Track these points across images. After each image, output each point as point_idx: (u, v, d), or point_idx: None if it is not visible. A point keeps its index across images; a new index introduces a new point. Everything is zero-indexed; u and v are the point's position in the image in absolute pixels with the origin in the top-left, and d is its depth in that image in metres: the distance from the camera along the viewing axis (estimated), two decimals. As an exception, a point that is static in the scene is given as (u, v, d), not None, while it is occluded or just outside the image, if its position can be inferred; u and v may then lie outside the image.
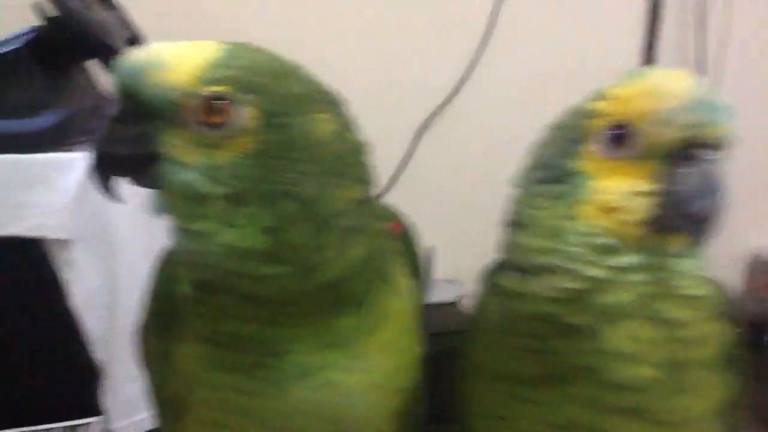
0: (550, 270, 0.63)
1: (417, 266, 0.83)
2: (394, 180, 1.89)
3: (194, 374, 0.72)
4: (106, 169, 0.65)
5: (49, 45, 1.39)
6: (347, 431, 0.72)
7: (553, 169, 0.66)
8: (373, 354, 0.71)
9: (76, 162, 1.27)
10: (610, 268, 0.61)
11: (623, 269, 0.61)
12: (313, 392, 0.69)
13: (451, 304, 1.67)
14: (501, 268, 0.71)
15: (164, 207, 0.64)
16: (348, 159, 0.67)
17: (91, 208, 1.27)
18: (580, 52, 2.01)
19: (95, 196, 1.27)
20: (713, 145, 0.60)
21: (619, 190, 0.61)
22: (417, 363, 0.77)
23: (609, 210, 0.61)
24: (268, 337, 0.67)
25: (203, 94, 0.61)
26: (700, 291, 0.63)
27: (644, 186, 0.61)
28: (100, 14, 1.45)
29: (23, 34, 1.39)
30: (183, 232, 0.64)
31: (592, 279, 0.61)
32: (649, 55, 2.02)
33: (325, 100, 0.67)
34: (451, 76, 1.97)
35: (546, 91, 2.00)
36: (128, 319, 1.37)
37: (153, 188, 0.64)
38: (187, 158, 0.62)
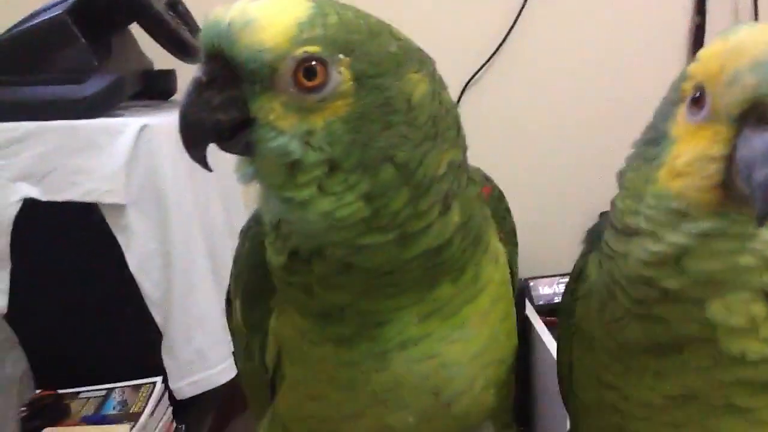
0: (638, 232, 0.62)
1: (510, 231, 0.80)
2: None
3: (291, 345, 0.71)
4: (195, 136, 0.61)
5: (91, 9, 1.39)
6: (447, 402, 0.70)
7: (654, 131, 0.64)
8: (473, 323, 0.69)
9: (126, 127, 1.28)
10: (690, 234, 0.59)
11: (704, 235, 0.59)
12: (415, 363, 0.67)
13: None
14: (604, 228, 0.69)
15: (257, 175, 0.61)
16: (443, 121, 0.63)
17: (143, 172, 1.29)
18: (624, 13, 1.96)
19: (146, 160, 1.32)
20: None
21: (689, 155, 0.59)
22: (514, 332, 0.76)
23: (679, 174, 0.59)
24: (369, 308, 0.65)
25: (298, 55, 0.57)
26: None
27: (713, 150, 0.57)
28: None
29: (64, 0, 1.39)
30: (278, 200, 0.61)
31: (675, 244, 0.59)
32: (697, 33, 1.95)
33: (418, 59, 0.63)
34: (483, 48, 1.92)
35: (582, 68, 1.99)
36: (183, 282, 1.41)
37: (244, 155, 0.61)
38: (282, 123, 0.58)
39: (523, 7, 1.92)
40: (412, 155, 0.60)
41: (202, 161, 0.62)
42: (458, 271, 0.67)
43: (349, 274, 0.63)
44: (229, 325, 0.82)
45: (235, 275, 0.78)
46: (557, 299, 1.97)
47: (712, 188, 0.58)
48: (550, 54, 1.98)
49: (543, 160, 2.05)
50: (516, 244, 0.80)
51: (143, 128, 1.27)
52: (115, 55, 1.43)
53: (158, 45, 1.47)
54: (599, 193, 2.10)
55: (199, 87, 0.59)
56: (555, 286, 1.98)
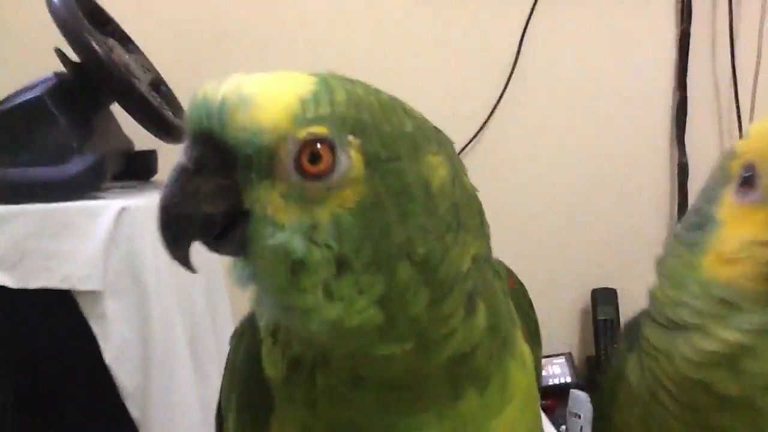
0: (684, 327, 0.56)
1: (535, 330, 0.72)
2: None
3: None
4: (178, 232, 0.52)
5: (73, 90, 1.37)
6: None
7: (698, 215, 0.60)
8: None
9: (105, 209, 1.23)
10: (746, 329, 0.53)
11: (762, 331, 0.53)
12: None
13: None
14: (642, 324, 0.64)
15: (253, 277, 0.52)
16: (465, 209, 0.56)
17: (121, 256, 1.23)
18: (609, 87, 1.99)
19: (125, 244, 1.27)
20: None
21: (740, 239, 0.54)
22: None
23: (728, 261, 0.55)
24: (382, 427, 0.57)
25: (301, 137, 0.50)
26: None
27: (767, 235, 0.53)
28: (121, 57, 1.42)
29: (45, 80, 1.36)
30: (277, 305, 0.54)
31: (728, 342, 0.54)
32: (681, 75, 1.98)
33: (436, 140, 0.56)
34: (478, 112, 1.93)
35: (574, 127, 2.01)
36: (162, 372, 1.34)
37: (235, 255, 0.53)
38: (281, 217, 0.51)
39: (511, 76, 1.93)
40: (433, 250, 0.52)
41: (185, 261, 0.53)
42: (485, 380, 0.59)
43: (360, 387, 0.55)
44: None
45: (228, 387, 0.68)
46: (551, 381, 1.91)
47: (766, 277, 0.53)
48: (537, 127, 1.98)
49: (532, 236, 2.02)
50: (540, 344, 0.72)
51: (122, 210, 1.22)
52: (97, 135, 1.40)
53: (139, 125, 1.44)
54: (591, 272, 2.08)
55: (183, 175, 0.51)
56: (548, 367, 1.92)
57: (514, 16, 1.92)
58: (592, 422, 0.73)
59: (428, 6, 1.89)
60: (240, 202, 0.52)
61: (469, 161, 1.83)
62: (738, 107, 1.99)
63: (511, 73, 1.93)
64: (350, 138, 0.51)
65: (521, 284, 0.72)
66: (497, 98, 1.93)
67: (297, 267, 0.51)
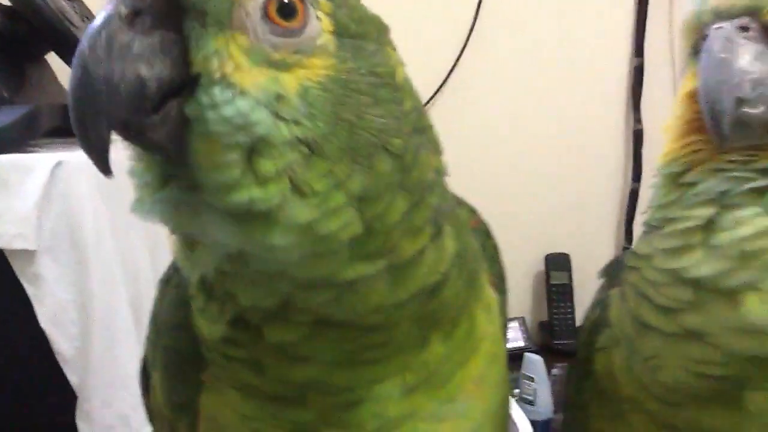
0: (661, 224, 0.57)
1: (500, 275, 0.66)
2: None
3: None
4: (98, 104, 0.39)
5: (3, 36, 1.27)
6: None
7: None
8: (466, 394, 0.54)
9: (39, 163, 1.15)
10: (699, 200, 0.55)
11: (715, 201, 0.54)
12: None
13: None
14: (624, 260, 0.63)
15: (199, 165, 0.41)
16: (423, 116, 0.50)
17: (57, 214, 1.15)
18: (565, 53, 1.97)
19: (61, 200, 1.19)
20: None
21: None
22: (508, 401, 0.63)
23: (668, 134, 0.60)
24: (339, 383, 0.50)
25: None
26: None
27: (683, 90, 0.61)
28: (58, 3, 1.33)
29: (-28, 27, 1.27)
30: (222, 220, 0.42)
31: (695, 217, 0.54)
32: (639, 42, 1.97)
33: (388, 34, 0.50)
34: (432, 78, 1.88)
35: (529, 92, 1.98)
36: (103, 336, 1.27)
37: (164, 145, 0.41)
38: (242, 79, 0.40)
39: (468, 39, 1.89)
40: (407, 145, 0.45)
41: (102, 153, 0.41)
42: (451, 324, 0.53)
43: (319, 337, 0.47)
44: (145, 404, 0.65)
45: (153, 340, 0.61)
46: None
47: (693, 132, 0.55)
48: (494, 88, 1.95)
49: (486, 200, 1.97)
50: (506, 292, 0.68)
51: (58, 165, 1.14)
52: (30, 85, 1.31)
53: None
54: (545, 237, 2.07)
55: (112, 25, 0.39)
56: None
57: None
58: (566, 384, 0.71)
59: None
60: (184, 63, 0.41)
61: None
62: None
63: (468, 36, 1.88)
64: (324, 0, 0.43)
65: (486, 225, 0.67)
66: (452, 63, 1.88)
67: (258, 147, 0.41)
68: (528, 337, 1.93)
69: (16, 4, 1.24)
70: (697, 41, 0.56)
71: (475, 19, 1.88)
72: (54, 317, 1.17)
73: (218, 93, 0.40)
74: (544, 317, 2.00)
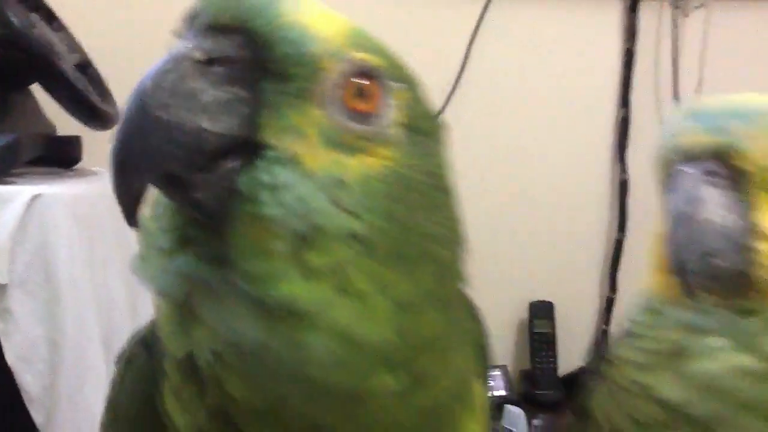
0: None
1: (487, 365, 0.60)
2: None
3: None
4: (149, 147, 0.35)
5: (-11, 66, 1.26)
6: None
7: None
8: None
9: (17, 195, 1.12)
10: (673, 328, 0.53)
11: (690, 329, 0.52)
12: None
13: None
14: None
15: (239, 245, 0.36)
16: (459, 222, 0.47)
17: (32, 247, 1.12)
18: (552, 102, 1.98)
19: (37, 233, 1.16)
20: None
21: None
22: None
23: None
24: None
25: (355, 59, 0.39)
26: None
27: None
28: (45, 34, 1.32)
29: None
30: (260, 306, 0.37)
31: (664, 340, 0.52)
32: (625, 93, 1.99)
33: (444, 134, 0.47)
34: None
35: (516, 138, 1.99)
36: (72, 375, 1.23)
37: (204, 210, 0.37)
38: (311, 161, 0.37)
39: (456, 85, 1.89)
40: (453, 257, 0.42)
41: (135, 202, 0.36)
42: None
43: None
44: None
45: (107, 424, 0.54)
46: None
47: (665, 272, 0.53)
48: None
49: (471, 247, 1.97)
50: (488, 368, 0.62)
51: (35, 198, 1.11)
52: (13, 115, 1.29)
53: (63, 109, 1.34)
54: (529, 284, 2.05)
55: (183, 69, 0.35)
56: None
57: (462, 26, 1.89)
58: None
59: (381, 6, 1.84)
60: (251, 126, 0.37)
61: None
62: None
63: (455, 85, 1.90)
64: (396, 85, 0.41)
65: (475, 308, 0.63)
66: (438, 111, 1.89)
67: (312, 238, 0.36)
68: (510, 386, 1.90)
69: (2, 34, 1.22)
70: (666, 177, 0.54)
71: (462, 68, 1.90)
72: (22, 353, 1.13)
73: (282, 174, 0.36)
74: (527, 365, 1.97)
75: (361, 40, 0.40)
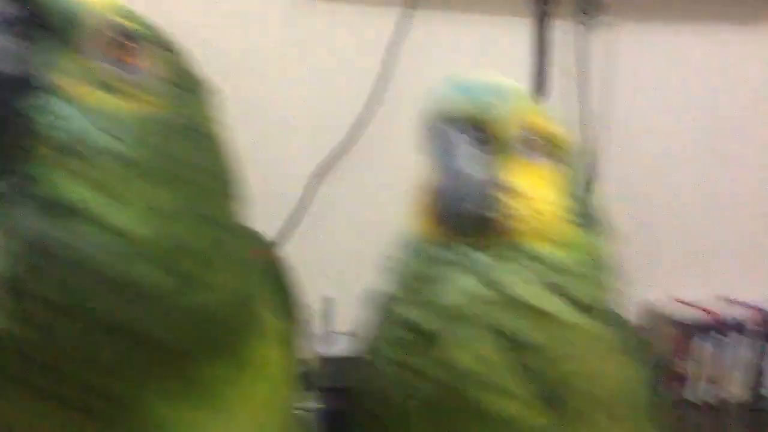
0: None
1: (289, 305, 0.72)
2: (289, 227, 1.75)
3: None
4: None
5: None
6: None
7: None
8: (236, 409, 0.58)
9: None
10: (419, 260, 0.65)
11: (431, 261, 0.64)
12: None
13: (350, 359, 1.60)
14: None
15: (30, 165, 0.48)
16: (227, 164, 0.60)
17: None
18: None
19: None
20: None
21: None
22: (290, 424, 0.68)
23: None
24: (118, 390, 0.52)
25: (118, 22, 0.52)
26: (545, 303, 0.62)
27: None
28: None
29: None
30: (47, 207, 0.48)
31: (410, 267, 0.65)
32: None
33: (207, 94, 0.60)
34: (348, 118, 1.86)
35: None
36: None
37: (6, 134, 0.48)
38: (84, 97, 0.49)
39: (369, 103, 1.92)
40: (214, 186, 0.57)
41: None
42: (232, 350, 0.58)
43: (105, 338, 0.50)
44: None
45: None
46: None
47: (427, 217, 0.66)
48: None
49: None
50: (298, 319, 0.73)
51: None
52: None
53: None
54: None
55: None
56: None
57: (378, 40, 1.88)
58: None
59: (300, 14, 1.83)
60: (43, 69, 0.49)
61: (328, 183, 1.79)
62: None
63: (372, 97, 1.87)
64: (157, 47, 0.53)
65: (279, 257, 0.74)
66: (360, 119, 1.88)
67: (90, 156, 0.49)
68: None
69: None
70: (431, 135, 0.66)
71: (379, 82, 1.89)
72: None
73: (59, 105, 0.48)
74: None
75: (125, 12, 0.52)
